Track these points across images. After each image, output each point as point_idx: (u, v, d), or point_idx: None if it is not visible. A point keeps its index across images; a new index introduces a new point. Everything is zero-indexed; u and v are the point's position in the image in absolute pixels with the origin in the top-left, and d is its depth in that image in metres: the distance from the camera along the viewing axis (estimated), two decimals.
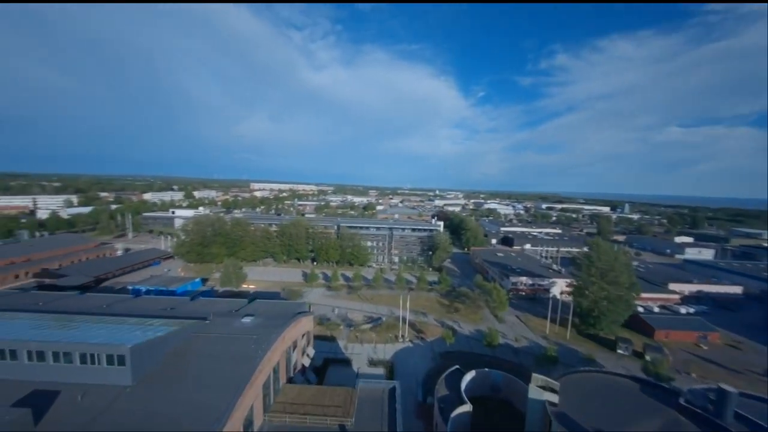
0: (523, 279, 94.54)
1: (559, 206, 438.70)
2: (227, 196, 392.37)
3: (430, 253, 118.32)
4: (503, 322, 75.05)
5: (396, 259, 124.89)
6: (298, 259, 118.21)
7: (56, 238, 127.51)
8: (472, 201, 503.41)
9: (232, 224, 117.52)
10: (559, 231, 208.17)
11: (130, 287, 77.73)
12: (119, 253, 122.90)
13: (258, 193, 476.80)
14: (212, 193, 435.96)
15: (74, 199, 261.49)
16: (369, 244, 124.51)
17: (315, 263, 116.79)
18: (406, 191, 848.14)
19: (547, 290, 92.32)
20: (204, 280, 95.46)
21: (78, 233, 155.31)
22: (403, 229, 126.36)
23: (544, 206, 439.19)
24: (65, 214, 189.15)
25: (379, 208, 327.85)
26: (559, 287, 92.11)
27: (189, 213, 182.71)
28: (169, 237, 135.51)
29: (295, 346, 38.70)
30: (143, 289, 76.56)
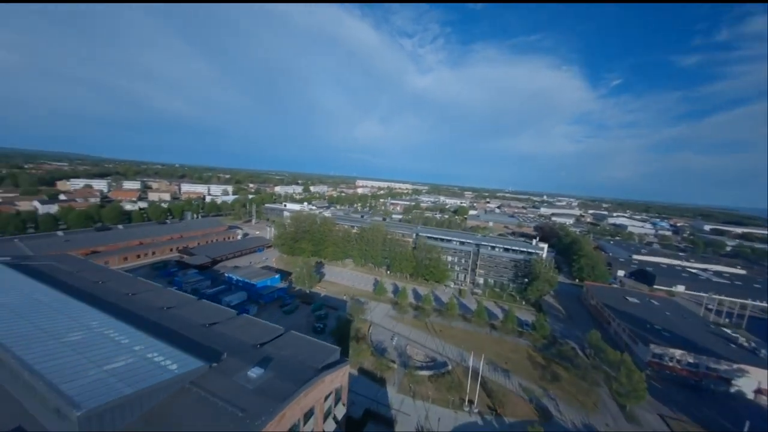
0: (677, 352, 60.90)
1: (738, 230, 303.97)
2: (334, 192, 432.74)
3: (526, 280, 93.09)
4: (636, 422, 48.00)
5: (480, 281, 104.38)
6: (375, 265, 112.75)
7: (204, 221, 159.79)
8: (591, 212, 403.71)
9: (320, 223, 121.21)
10: (742, 271, 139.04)
11: (226, 275, 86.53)
12: (239, 237, 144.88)
13: (360, 190, 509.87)
14: (324, 188, 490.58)
15: (229, 188, 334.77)
16: (449, 258, 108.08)
17: (389, 271, 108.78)
18: (507, 194, 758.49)
19: (727, 380, 56.72)
20: (288, 274, 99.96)
21: (218, 217, 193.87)
22: (493, 247, 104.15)
23: (707, 227, 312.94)
24: (219, 200, 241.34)
25: (471, 212, 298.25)
26: (754, 380, 55.28)
27: (296, 207, 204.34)
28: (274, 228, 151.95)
29: (311, 414, 29.76)
30: (234, 277, 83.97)
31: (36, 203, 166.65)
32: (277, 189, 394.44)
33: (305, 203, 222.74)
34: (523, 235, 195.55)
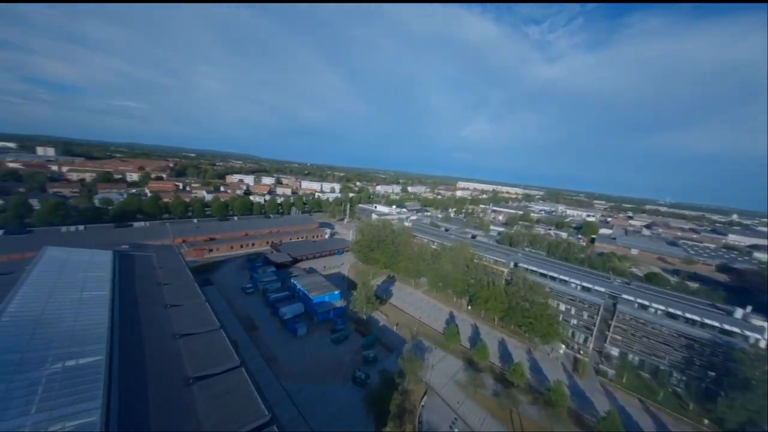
0: None
1: None
2: (430, 194, 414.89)
3: (713, 377, 51.86)
4: None
5: (614, 352, 66.94)
6: (455, 294, 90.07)
7: (299, 217, 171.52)
8: None
9: (396, 233, 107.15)
10: None
11: (292, 281, 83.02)
12: (326, 236, 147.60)
13: (459, 193, 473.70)
14: (422, 189, 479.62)
15: (337, 186, 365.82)
16: (562, 307, 74.37)
17: (470, 307, 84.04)
18: (663, 208, 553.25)
19: None
20: (353, 287, 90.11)
21: (319, 213, 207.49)
22: (645, 306, 64.64)
23: None
24: (324, 197, 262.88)
25: (604, 231, 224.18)
26: None
27: (385, 209, 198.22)
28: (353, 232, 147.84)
29: None
30: (297, 286, 79.15)
31: (204, 193, 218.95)
32: (378, 188, 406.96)
33: (393, 206, 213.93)
34: (696, 277, 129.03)
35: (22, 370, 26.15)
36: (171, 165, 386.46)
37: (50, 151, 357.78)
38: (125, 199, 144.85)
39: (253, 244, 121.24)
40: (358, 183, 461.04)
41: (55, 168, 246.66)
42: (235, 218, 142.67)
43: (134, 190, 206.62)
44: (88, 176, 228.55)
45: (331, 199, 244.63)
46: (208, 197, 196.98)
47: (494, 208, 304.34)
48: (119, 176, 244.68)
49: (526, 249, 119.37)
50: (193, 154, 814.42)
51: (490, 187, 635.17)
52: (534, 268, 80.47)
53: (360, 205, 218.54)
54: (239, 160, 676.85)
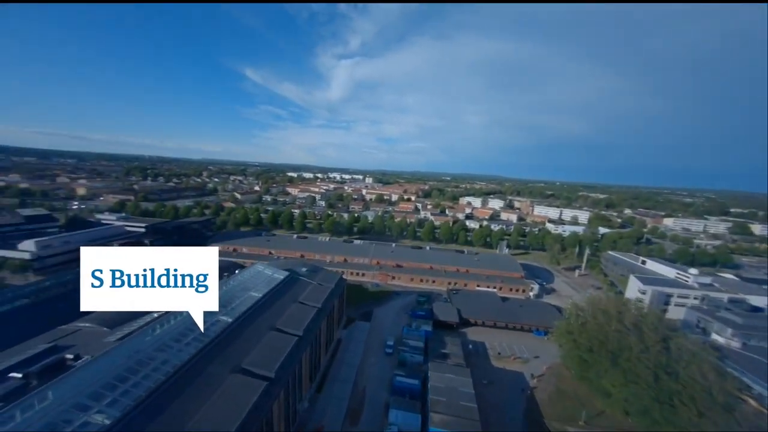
0: None
1: None
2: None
3: None
4: None
5: None
6: None
7: (500, 257, 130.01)
8: None
9: (660, 335, 46.70)
10: None
11: (428, 373, 57.17)
12: (530, 294, 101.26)
13: None
14: None
15: (584, 214, 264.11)
16: None
17: None
18: None
19: None
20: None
21: (529, 252, 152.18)
22: None
23: None
24: (555, 229, 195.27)
25: None
26: None
27: (667, 270, 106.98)
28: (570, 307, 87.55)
29: None
30: (429, 383, 52.42)
31: (427, 214, 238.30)
32: (667, 222, 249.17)
33: (691, 269, 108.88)
34: None
35: None
36: (424, 188, 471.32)
37: (369, 180, 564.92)
38: (349, 218, 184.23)
39: (433, 281, 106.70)
40: (627, 211, 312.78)
41: (364, 191, 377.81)
42: (427, 248, 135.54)
43: (389, 209, 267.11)
44: (376, 197, 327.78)
45: (565, 234, 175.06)
46: (431, 217, 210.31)
47: None
48: (387, 197, 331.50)
49: None
50: (448, 178, 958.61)
51: None
52: None
53: (612, 252, 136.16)
54: (483, 181, 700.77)
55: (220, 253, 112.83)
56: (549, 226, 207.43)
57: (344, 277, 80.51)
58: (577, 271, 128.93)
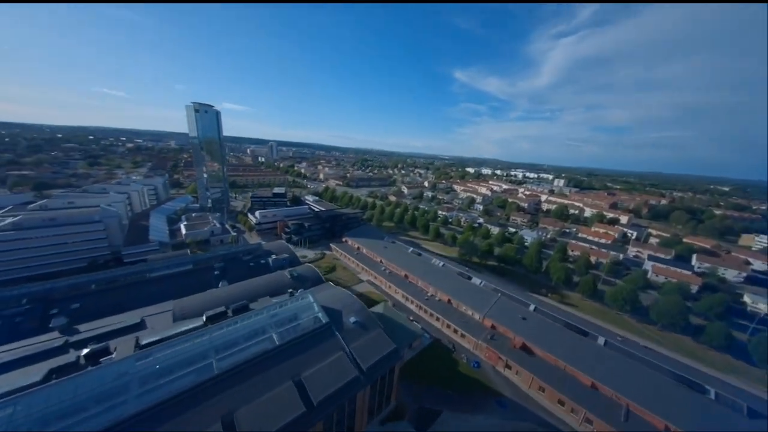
0: None
1: None
2: None
3: None
4: None
5: None
6: None
7: None
8: None
9: None
10: None
11: None
12: None
13: None
14: None
15: None
16: None
17: None
18: None
19: None
20: None
21: None
22: None
23: None
24: None
25: None
26: None
27: None
28: None
29: None
30: None
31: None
32: None
33: None
34: None
35: None
36: (657, 201, 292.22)
37: (559, 182, 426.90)
38: (485, 238, 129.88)
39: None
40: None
41: (543, 198, 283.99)
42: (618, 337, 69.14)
43: (572, 229, 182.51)
44: (557, 208, 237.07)
45: None
46: (649, 264, 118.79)
47: None
48: (575, 212, 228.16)
49: None
50: (725, 187, 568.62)
51: None
52: None
53: None
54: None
55: (346, 250, 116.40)
56: None
57: (439, 328, 52.18)
58: None
